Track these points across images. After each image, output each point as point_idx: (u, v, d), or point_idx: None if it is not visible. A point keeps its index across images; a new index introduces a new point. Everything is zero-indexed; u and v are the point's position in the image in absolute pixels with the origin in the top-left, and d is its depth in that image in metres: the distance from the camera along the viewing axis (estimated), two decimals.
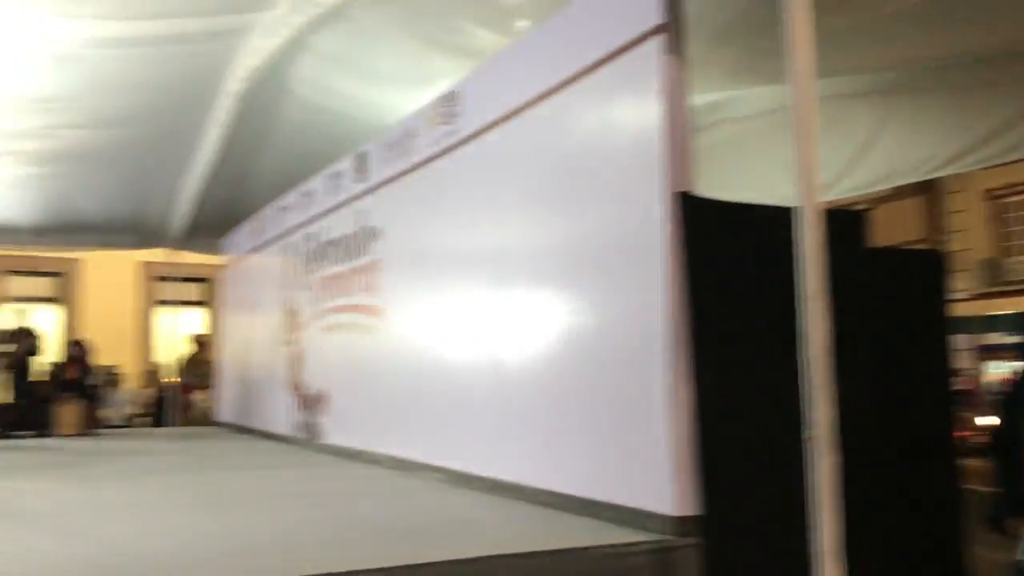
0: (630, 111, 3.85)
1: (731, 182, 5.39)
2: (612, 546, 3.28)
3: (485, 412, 4.80)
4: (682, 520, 3.34)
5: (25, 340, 10.02)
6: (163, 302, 13.45)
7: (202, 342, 12.18)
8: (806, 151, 2.90)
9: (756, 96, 5.92)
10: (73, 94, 6.92)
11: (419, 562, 3.05)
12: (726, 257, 3.56)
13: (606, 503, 3.75)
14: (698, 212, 3.55)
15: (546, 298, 4.34)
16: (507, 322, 4.64)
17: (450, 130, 5.32)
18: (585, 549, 3.26)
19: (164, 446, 8.41)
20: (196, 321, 15.22)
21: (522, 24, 5.72)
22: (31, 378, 10.09)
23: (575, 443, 4.03)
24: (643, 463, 3.56)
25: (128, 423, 12.16)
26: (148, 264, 13.94)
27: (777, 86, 5.37)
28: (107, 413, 11.77)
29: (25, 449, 8.10)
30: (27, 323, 10.28)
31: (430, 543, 3.40)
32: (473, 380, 4.94)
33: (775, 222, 3.25)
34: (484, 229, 4.98)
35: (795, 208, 2.88)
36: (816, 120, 2.94)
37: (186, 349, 11.85)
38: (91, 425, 9.80)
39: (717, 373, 3.44)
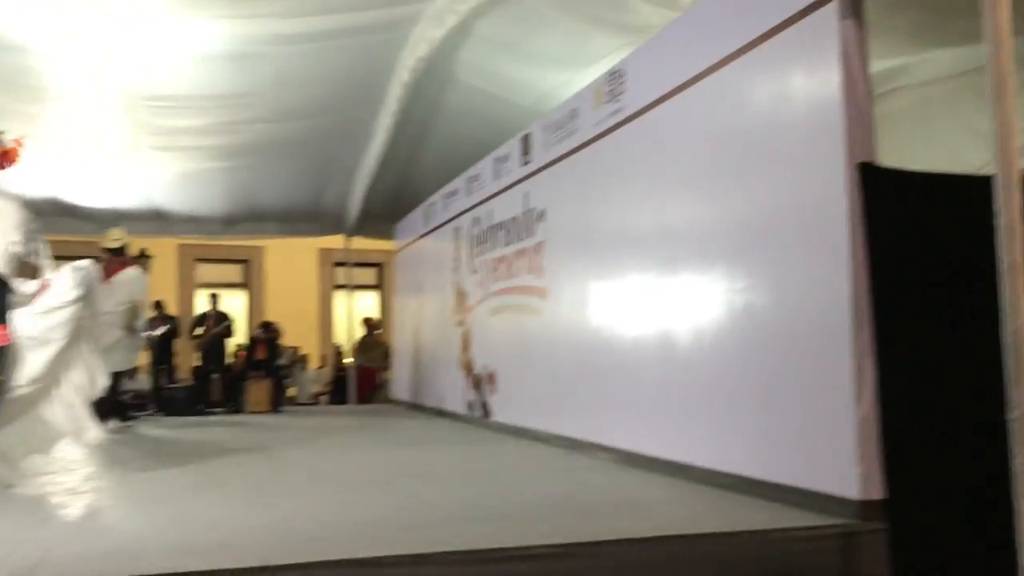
0: (807, 80, 3.69)
1: (913, 151, 5.08)
2: (793, 529, 3.19)
3: (655, 392, 4.76)
4: (867, 504, 3.20)
5: (219, 323, 10.76)
6: (340, 286, 14.06)
7: (373, 325, 12.68)
8: (1003, 115, 2.70)
9: (938, 59, 5.56)
10: (256, 90, 7.33)
11: (592, 540, 3.07)
12: (912, 230, 3.38)
13: (784, 485, 3.64)
14: (881, 183, 3.38)
15: (717, 276, 4.25)
16: (676, 301, 4.58)
17: (615, 108, 5.28)
18: (765, 532, 3.18)
19: (343, 423, 8.82)
20: (371, 304, 15.89)
21: None
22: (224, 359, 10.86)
23: (749, 423, 3.94)
24: (824, 445, 3.44)
25: (312, 401, 12.85)
26: (326, 250, 14.64)
27: (962, 48, 5.04)
28: (293, 391, 12.49)
29: (221, 425, 8.69)
30: (220, 307, 11.01)
31: (602, 522, 3.41)
32: (642, 360, 4.91)
33: (967, 191, 3.06)
34: (651, 207, 4.92)
35: (993, 176, 2.70)
36: (1015, 81, 2.73)
37: (360, 332, 12.37)
38: (278, 403, 10.42)
39: (903, 351, 3.28)
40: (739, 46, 4.07)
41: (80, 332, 4.38)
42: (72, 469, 5.17)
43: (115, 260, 7.98)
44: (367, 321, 12.68)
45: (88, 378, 4.42)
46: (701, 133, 4.46)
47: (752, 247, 4.01)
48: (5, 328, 4.01)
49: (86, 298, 4.39)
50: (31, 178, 9.13)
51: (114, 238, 8.20)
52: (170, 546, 3.09)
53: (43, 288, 4.22)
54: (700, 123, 4.46)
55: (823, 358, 3.47)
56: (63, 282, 4.32)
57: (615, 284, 5.29)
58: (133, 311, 7.89)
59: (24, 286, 4.18)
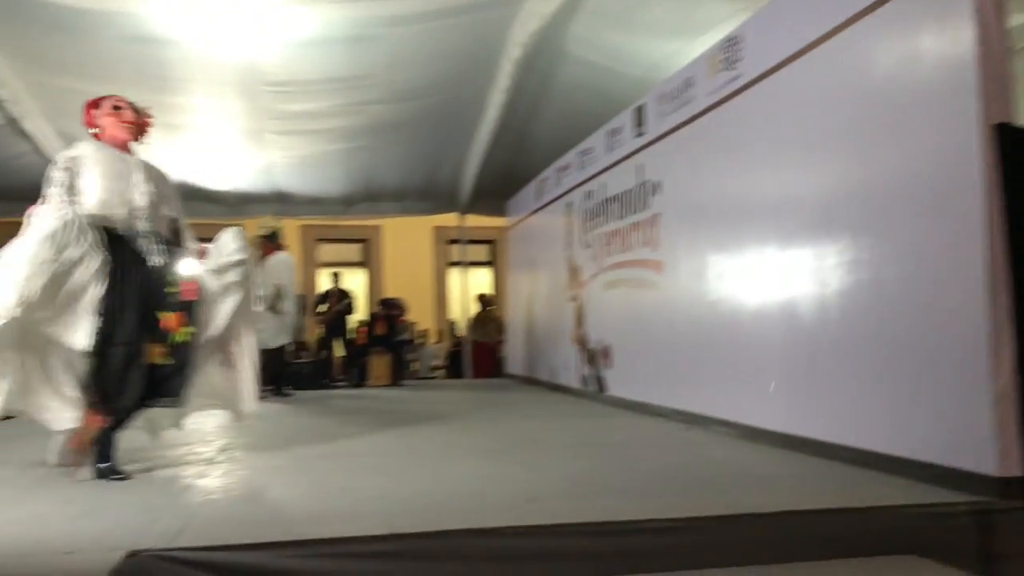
0: (937, 38, 3.52)
1: None
2: (926, 506, 3.08)
3: (776, 366, 4.66)
4: (1006, 481, 3.07)
5: (342, 300, 11.12)
6: (454, 263, 14.27)
7: (487, 301, 12.83)
8: None
9: None
10: (371, 72, 7.48)
11: (712, 515, 3.05)
12: None
13: (914, 460, 3.53)
14: (1019, 145, 3.20)
15: (842, 246, 4.11)
16: (799, 273, 4.46)
17: (731, 76, 5.16)
18: (895, 508, 3.08)
19: (461, 396, 8.99)
20: (484, 280, 16.06)
21: None
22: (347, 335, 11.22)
23: (877, 397, 3.82)
24: (959, 419, 3.31)
25: (431, 375, 13.14)
26: (440, 228, 14.87)
27: None
28: (413, 366, 12.80)
29: (345, 398, 8.98)
30: (342, 285, 11.37)
31: (721, 496, 3.38)
32: (763, 333, 4.81)
33: None
34: (771, 176, 4.80)
35: None
36: None
37: (474, 308, 12.54)
38: (399, 377, 10.71)
39: None
40: (864, 6, 3.92)
41: (247, 298, 4.46)
42: (209, 440, 5.46)
43: (268, 244, 8.57)
44: (481, 297, 12.83)
45: (252, 348, 4.48)
46: (823, 98, 4.31)
47: (879, 215, 3.87)
48: (193, 284, 4.20)
49: (247, 264, 4.46)
50: (165, 163, 9.61)
51: (265, 224, 8.71)
52: (303, 513, 3.23)
53: (202, 252, 4.38)
54: (822, 88, 4.32)
55: (957, 330, 3.33)
56: (228, 244, 4.44)
57: (734, 256, 5.19)
58: (279, 293, 8.41)
59: (190, 248, 4.38)
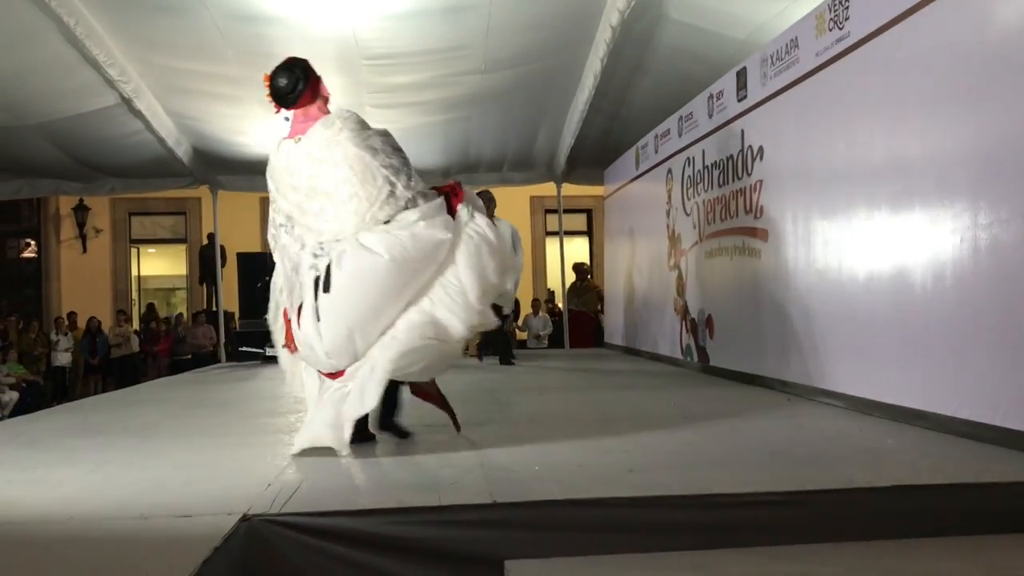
0: None
1: None
2: None
3: (887, 336, 4.50)
4: None
5: None
6: (551, 233, 14.24)
7: (584, 270, 12.74)
8: None
9: None
10: (468, 42, 7.48)
11: (821, 488, 2.97)
12: None
13: None
14: None
15: (957, 211, 3.92)
16: (912, 239, 4.28)
17: (840, 35, 4.95)
18: (1014, 484, 2.95)
19: (562, 365, 8.99)
20: (581, 250, 15.99)
21: None
22: None
23: (994, 369, 3.65)
24: None
25: (539, 345, 13.06)
26: (537, 198, 14.86)
27: None
28: (520, 336, 12.76)
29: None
30: None
31: (831, 470, 3.28)
32: (872, 303, 4.64)
33: None
34: (882, 139, 4.60)
35: None
36: None
37: (570, 278, 12.46)
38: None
39: None
40: None
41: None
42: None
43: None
44: (578, 267, 12.76)
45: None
46: (938, 57, 4.09)
47: (998, 179, 3.66)
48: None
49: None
50: (268, 139, 9.86)
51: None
52: (408, 482, 3.30)
53: None
54: (937, 46, 4.10)
55: None
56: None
57: (842, 222, 5.01)
58: None
59: None
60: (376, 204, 3.91)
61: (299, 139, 4.03)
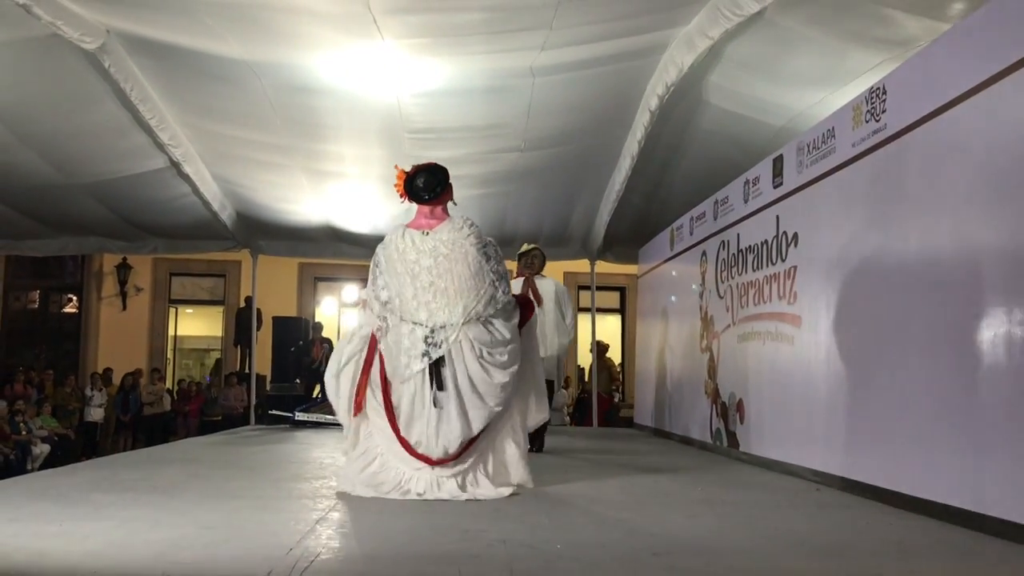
0: None
1: None
2: None
3: (922, 428, 4.43)
4: None
5: None
6: (584, 309, 14.26)
7: (602, 348, 12.64)
8: None
9: None
10: (509, 121, 7.66)
11: None
12: None
13: None
14: None
15: (993, 305, 3.89)
16: (945, 332, 4.25)
17: (876, 127, 5.01)
18: None
19: (590, 446, 8.90)
20: (613, 328, 15.96)
21: (958, 7, 5.25)
22: None
23: None
24: None
25: (563, 422, 12.96)
26: (570, 274, 14.92)
27: None
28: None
29: None
30: None
31: (862, 563, 3.22)
32: (907, 394, 4.59)
33: None
34: (917, 231, 4.61)
35: None
36: None
37: (589, 357, 12.41)
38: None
39: None
40: (1021, 56, 3.75)
41: None
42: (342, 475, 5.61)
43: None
44: (597, 344, 12.72)
45: None
46: (974, 152, 4.13)
47: None
48: None
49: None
50: (310, 206, 10.08)
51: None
52: (428, 554, 3.28)
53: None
54: (973, 141, 4.14)
55: None
56: None
57: (875, 312, 4.99)
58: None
59: None
60: (481, 303, 4.68)
61: (426, 232, 4.78)
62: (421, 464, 4.67)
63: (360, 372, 4.81)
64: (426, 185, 4.92)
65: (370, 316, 4.91)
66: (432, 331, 4.66)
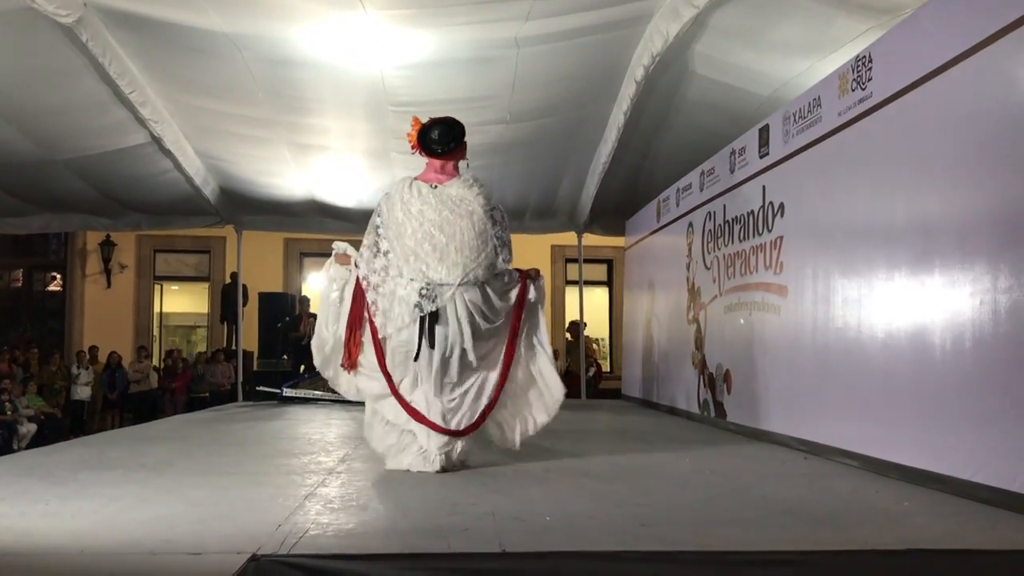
0: None
1: None
2: None
3: (906, 397, 4.46)
4: None
5: None
6: (572, 282, 14.29)
7: (576, 329, 12.65)
8: None
9: None
10: (493, 92, 7.57)
11: (834, 549, 2.94)
12: None
13: None
14: None
15: (977, 274, 3.91)
16: (931, 300, 4.26)
17: (862, 96, 5.00)
18: None
19: (577, 416, 8.91)
20: (601, 300, 15.97)
21: None
22: None
23: (1012, 434, 3.60)
24: None
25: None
26: (558, 246, 14.92)
27: None
28: None
29: None
30: None
31: (844, 531, 3.25)
32: (892, 364, 4.61)
33: None
34: (903, 199, 4.61)
35: None
36: None
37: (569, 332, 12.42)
38: None
39: None
40: (1009, 21, 3.73)
41: None
42: (329, 451, 5.61)
43: None
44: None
45: None
46: (961, 119, 4.12)
47: (1019, 243, 3.66)
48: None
49: None
50: (295, 181, 10.00)
51: None
52: (416, 527, 3.28)
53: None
54: (960, 108, 4.13)
55: None
56: None
57: (862, 281, 5.00)
58: None
59: None
60: (481, 267, 4.62)
61: (435, 186, 4.67)
62: (431, 430, 4.62)
63: (346, 319, 4.71)
64: (441, 138, 4.81)
65: (343, 271, 4.82)
66: (428, 286, 4.55)
